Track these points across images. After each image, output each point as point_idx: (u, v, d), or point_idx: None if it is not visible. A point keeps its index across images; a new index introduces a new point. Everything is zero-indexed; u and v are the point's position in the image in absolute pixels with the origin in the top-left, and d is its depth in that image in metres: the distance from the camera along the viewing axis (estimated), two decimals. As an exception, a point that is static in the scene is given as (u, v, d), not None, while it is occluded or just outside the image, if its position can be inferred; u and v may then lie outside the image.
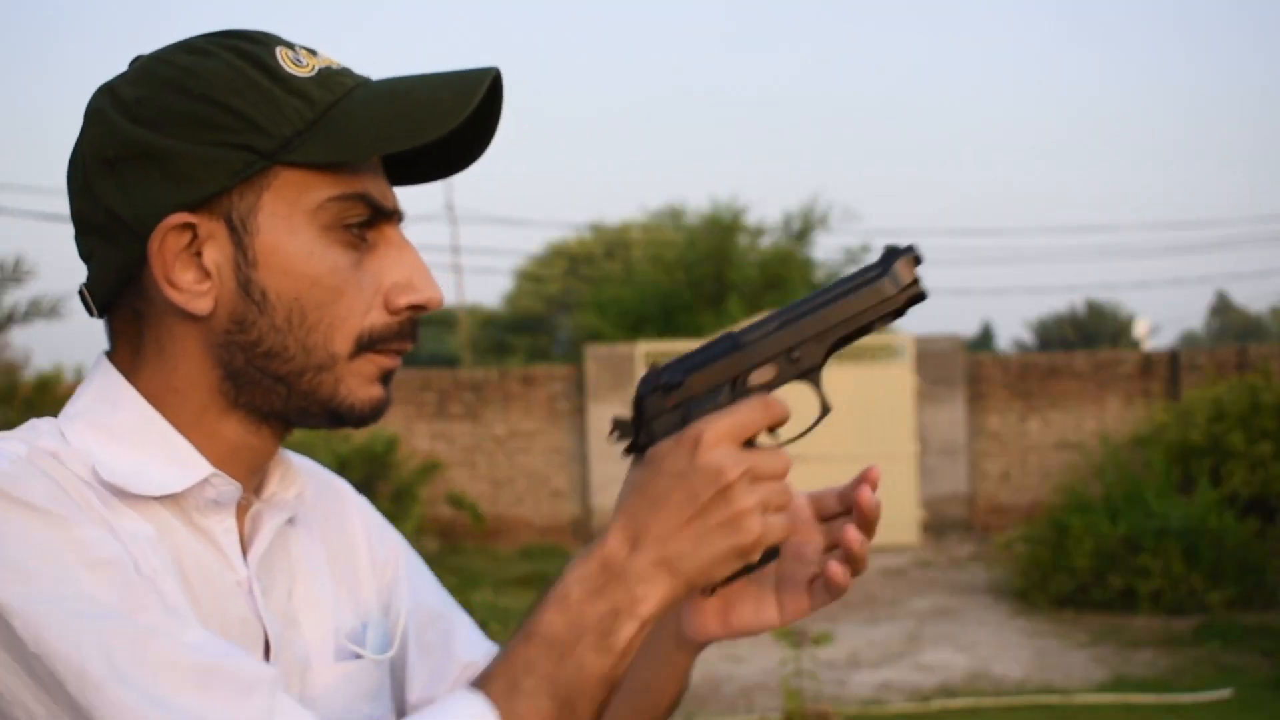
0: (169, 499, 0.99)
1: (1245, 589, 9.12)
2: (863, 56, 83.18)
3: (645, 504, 0.95)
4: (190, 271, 0.98)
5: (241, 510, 1.05)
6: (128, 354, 1.02)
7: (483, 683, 0.93)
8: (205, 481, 1.00)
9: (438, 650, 1.18)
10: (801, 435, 1.03)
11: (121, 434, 0.99)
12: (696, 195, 63.86)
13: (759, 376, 1.01)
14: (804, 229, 21.94)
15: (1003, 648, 8.41)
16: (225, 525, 1.02)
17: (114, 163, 0.98)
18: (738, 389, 1.00)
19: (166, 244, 0.97)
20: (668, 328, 17.93)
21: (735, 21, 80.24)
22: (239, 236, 0.97)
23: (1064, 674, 7.65)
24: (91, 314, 1.04)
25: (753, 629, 1.06)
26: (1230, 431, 10.60)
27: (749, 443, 0.98)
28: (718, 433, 0.96)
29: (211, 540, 1.01)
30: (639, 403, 1.01)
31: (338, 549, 1.16)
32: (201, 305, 0.98)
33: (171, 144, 0.96)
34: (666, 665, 1.11)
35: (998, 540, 11.68)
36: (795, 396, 1.03)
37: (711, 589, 1.03)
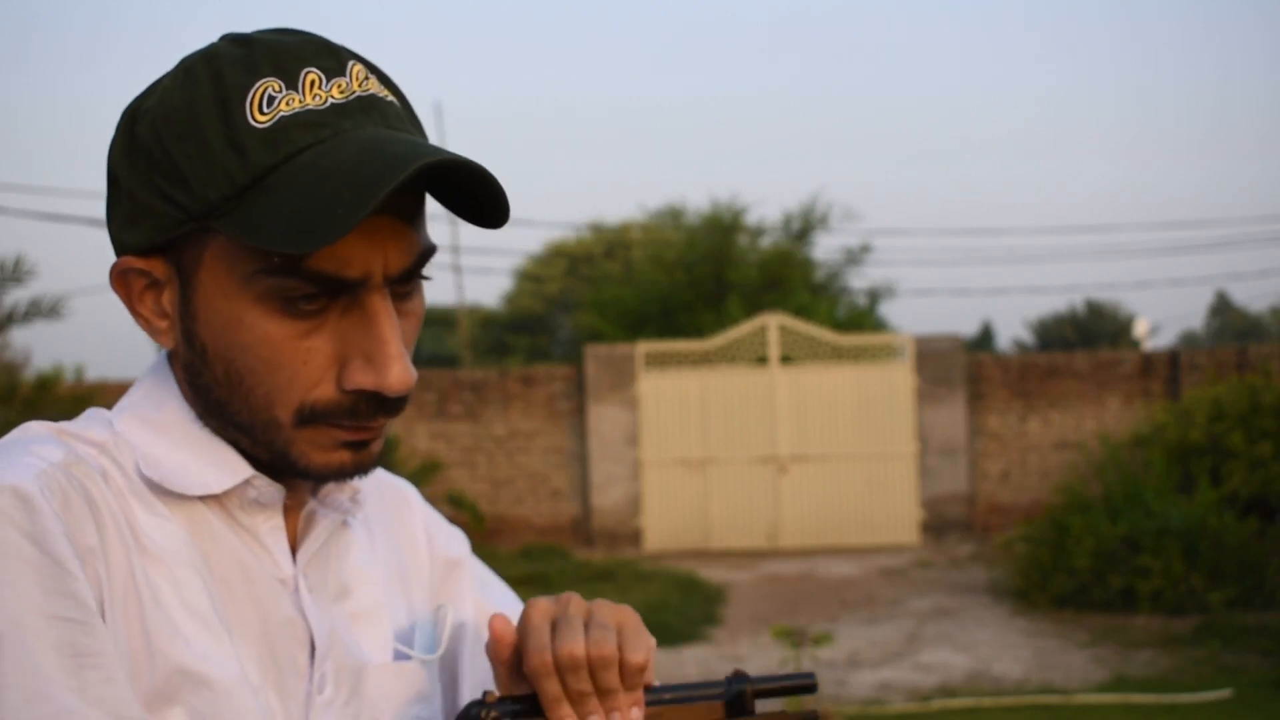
0: (210, 498, 0.98)
1: (1245, 589, 9.12)
2: (863, 56, 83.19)
3: None
4: (150, 306, 0.97)
5: (295, 509, 1.03)
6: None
7: None
8: (246, 483, 0.98)
9: None
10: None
11: (165, 431, 0.98)
12: (696, 195, 63.87)
13: None
14: (804, 229, 21.95)
15: (1003, 648, 8.41)
16: (272, 524, 1.00)
17: (109, 181, 0.98)
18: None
19: (129, 280, 0.97)
20: (668, 328, 17.93)
21: (736, 21, 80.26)
22: (183, 288, 0.95)
23: (1064, 674, 7.65)
24: None
25: None
26: (1230, 431, 10.61)
27: None
28: None
29: (256, 539, 1.00)
30: None
31: (396, 548, 1.14)
32: (166, 341, 0.97)
33: (132, 182, 0.94)
34: None
35: (998, 540, 11.69)
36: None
37: None
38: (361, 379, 0.92)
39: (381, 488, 1.16)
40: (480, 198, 0.95)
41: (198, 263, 0.93)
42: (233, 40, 0.96)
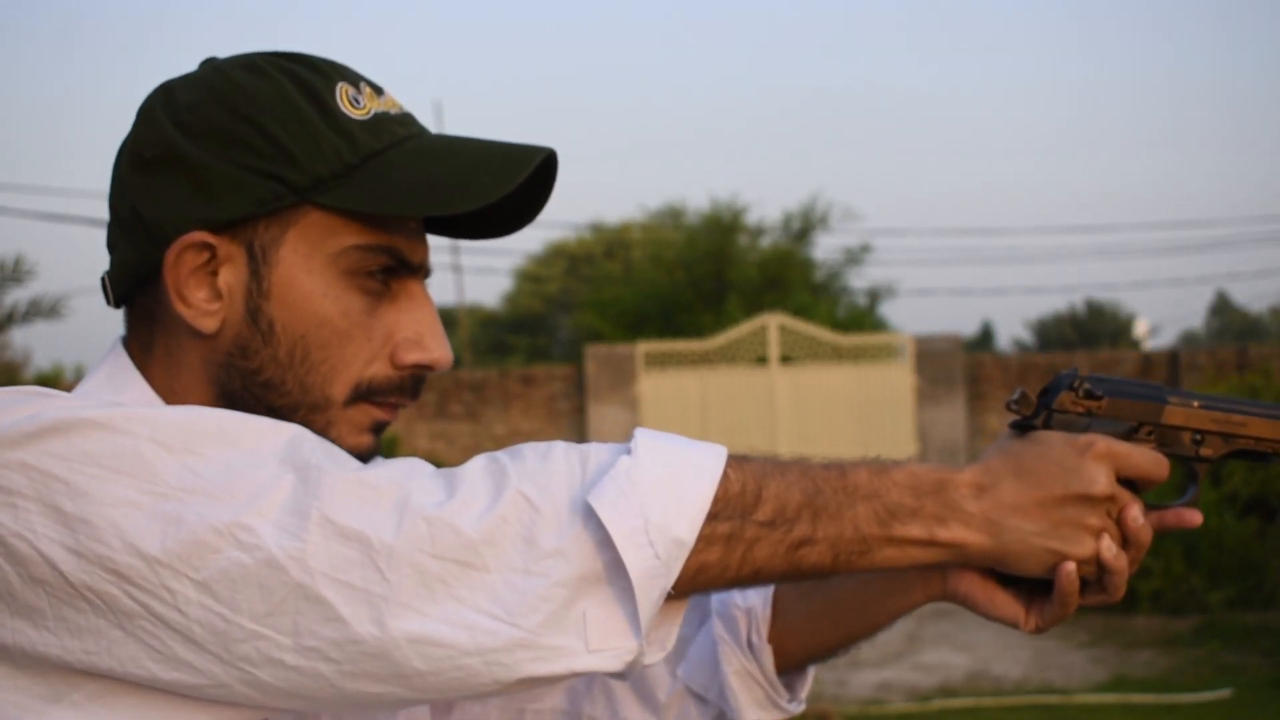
0: None
1: (1245, 589, 9.11)
2: (862, 56, 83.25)
3: (1010, 467, 0.96)
4: (203, 290, 0.97)
5: None
6: (139, 349, 1.02)
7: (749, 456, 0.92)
8: None
9: None
10: (1156, 507, 1.03)
11: None
12: (696, 195, 63.90)
13: (1157, 436, 1.04)
14: (804, 229, 21.98)
15: (1002, 648, 8.41)
16: None
17: (149, 163, 0.98)
18: (1136, 434, 1.03)
19: (183, 259, 0.97)
20: (668, 328, 17.94)
21: (735, 22, 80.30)
22: (257, 265, 0.97)
23: (1064, 674, 7.65)
24: (109, 303, 1.04)
25: (1001, 618, 1.04)
26: (1230, 431, 10.60)
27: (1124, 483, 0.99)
28: (1110, 452, 0.97)
29: None
30: (1052, 389, 1.02)
31: None
32: (208, 324, 0.97)
33: (206, 159, 0.96)
34: (898, 594, 1.10)
35: (998, 540, 11.67)
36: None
37: (1016, 580, 1.01)
38: (416, 355, 1.00)
39: None
40: (509, 206, 1.03)
41: (279, 240, 0.97)
42: (273, 54, 1.01)
